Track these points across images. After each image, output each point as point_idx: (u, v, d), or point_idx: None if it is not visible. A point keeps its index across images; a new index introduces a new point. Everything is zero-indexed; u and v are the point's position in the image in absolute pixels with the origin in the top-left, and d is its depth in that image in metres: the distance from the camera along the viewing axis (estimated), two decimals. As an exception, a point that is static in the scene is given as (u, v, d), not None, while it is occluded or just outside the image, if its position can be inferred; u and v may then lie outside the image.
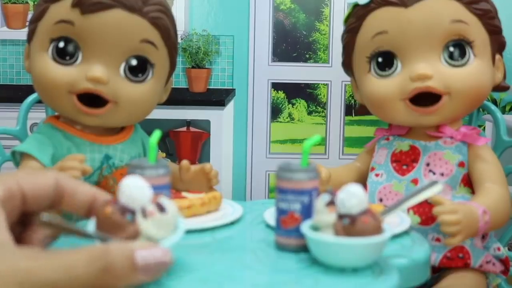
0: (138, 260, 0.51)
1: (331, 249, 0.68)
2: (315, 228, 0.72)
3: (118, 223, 0.56)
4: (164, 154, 2.12)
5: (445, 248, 1.00)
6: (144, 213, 0.57)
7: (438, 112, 1.04)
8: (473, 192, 1.05)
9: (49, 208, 0.61)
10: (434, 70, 1.03)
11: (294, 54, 2.68)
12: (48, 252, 0.51)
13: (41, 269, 0.49)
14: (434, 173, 1.06)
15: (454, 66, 1.04)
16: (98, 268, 0.50)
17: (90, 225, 0.59)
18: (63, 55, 1.01)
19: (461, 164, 1.06)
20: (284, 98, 2.75)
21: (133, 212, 0.57)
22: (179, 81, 2.51)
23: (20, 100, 1.15)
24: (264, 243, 0.79)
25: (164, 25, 1.03)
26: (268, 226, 0.89)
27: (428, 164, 1.07)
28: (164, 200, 0.59)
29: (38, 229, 0.60)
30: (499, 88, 1.11)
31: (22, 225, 0.62)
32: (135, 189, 0.57)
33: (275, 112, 2.71)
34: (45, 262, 0.50)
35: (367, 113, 1.19)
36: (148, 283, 0.61)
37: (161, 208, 0.57)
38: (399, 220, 0.90)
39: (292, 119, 2.77)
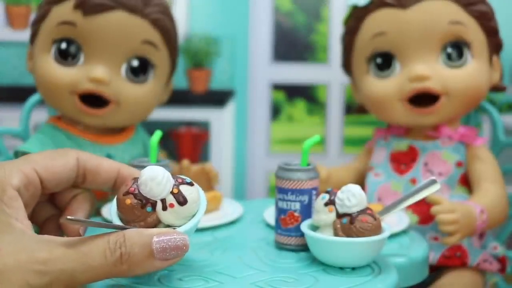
0: (155, 247, 0.51)
1: (331, 248, 0.68)
2: (315, 228, 0.73)
3: (138, 215, 0.56)
4: (165, 154, 2.13)
5: (443, 247, 1.01)
6: (164, 205, 0.57)
7: (436, 112, 1.05)
8: (470, 191, 1.06)
9: (74, 187, 0.61)
10: (432, 71, 1.03)
11: (294, 55, 2.68)
12: (67, 241, 0.51)
13: (58, 259, 0.49)
14: (432, 173, 1.06)
15: (452, 67, 1.05)
16: (115, 257, 0.50)
17: (113, 209, 0.59)
18: (65, 56, 1.01)
19: (459, 164, 1.06)
20: (283, 98, 2.76)
21: (153, 204, 0.56)
22: (180, 81, 2.52)
23: (23, 100, 1.16)
24: (264, 242, 0.80)
25: (165, 26, 1.04)
26: (268, 225, 0.90)
27: (426, 164, 1.08)
28: (185, 189, 0.58)
29: (70, 206, 0.59)
30: (496, 88, 1.12)
31: (53, 205, 0.62)
32: (155, 183, 0.56)
33: (275, 112, 2.71)
34: (62, 252, 0.50)
35: (366, 112, 1.20)
36: (152, 282, 0.62)
37: (181, 201, 0.57)
38: (397, 219, 0.91)
39: (292, 119, 2.78)
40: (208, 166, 1.10)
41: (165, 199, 0.57)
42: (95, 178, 0.60)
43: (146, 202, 0.56)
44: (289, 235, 0.76)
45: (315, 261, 0.71)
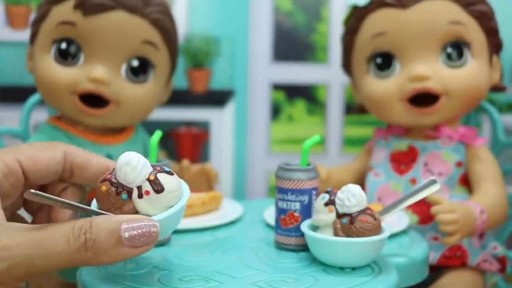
0: (123, 233, 0.49)
1: (331, 248, 0.68)
2: (315, 228, 0.73)
3: (113, 202, 0.54)
4: (165, 154, 2.13)
5: (443, 247, 1.01)
6: (140, 193, 0.55)
7: (436, 112, 1.05)
8: (470, 191, 1.06)
9: (60, 181, 0.59)
10: (432, 71, 1.03)
11: (294, 55, 2.68)
12: (32, 227, 0.49)
13: (18, 245, 0.48)
14: (432, 173, 1.06)
15: (452, 67, 1.05)
16: (79, 243, 0.48)
17: (94, 200, 0.57)
18: (65, 56, 1.01)
19: (459, 164, 1.06)
20: (283, 98, 2.76)
21: (129, 192, 0.55)
22: (180, 81, 2.52)
23: (23, 100, 1.16)
24: (264, 242, 0.80)
25: (165, 26, 1.04)
26: (268, 225, 0.90)
27: (426, 164, 1.08)
28: (163, 177, 0.56)
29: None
30: (496, 88, 1.12)
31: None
32: (130, 168, 0.55)
33: (275, 112, 2.72)
34: (24, 237, 0.48)
35: (366, 112, 1.20)
36: (152, 282, 0.62)
37: (157, 188, 0.55)
38: (397, 219, 0.91)
39: (292, 119, 2.78)
40: (208, 166, 1.10)
41: (141, 186, 0.55)
42: (82, 173, 0.59)
43: (121, 189, 0.55)
44: (289, 235, 0.76)
45: (315, 261, 0.71)
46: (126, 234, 0.49)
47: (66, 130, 1.05)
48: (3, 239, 0.48)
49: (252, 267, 0.69)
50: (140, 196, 0.55)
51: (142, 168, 0.55)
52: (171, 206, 0.57)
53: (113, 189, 0.55)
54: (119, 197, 0.55)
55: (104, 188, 0.55)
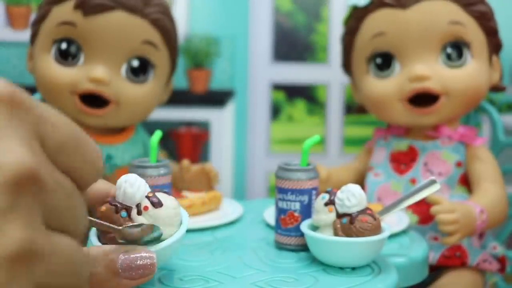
0: (121, 265, 0.49)
1: (330, 248, 0.68)
2: (315, 228, 0.73)
3: (113, 221, 0.54)
4: (165, 154, 2.14)
5: (443, 247, 1.01)
6: (139, 210, 0.56)
7: (436, 112, 1.05)
8: (470, 191, 1.06)
9: None
10: (432, 71, 1.04)
11: (294, 55, 2.68)
12: None
13: None
14: (432, 173, 1.07)
15: (451, 67, 1.05)
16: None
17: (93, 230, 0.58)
18: (66, 56, 1.02)
19: (458, 164, 1.07)
20: (283, 98, 2.76)
21: (127, 209, 0.56)
22: (180, 81, 2.52)
23: (23, 100, 1.16)
24: (264, 242, 0.80)
25: (165, 26, 1.04)
26: (267, 225, 0.90)
27: (426, 164, 1.08)
28: (162, 196, 0.57)
29: None
30: (496, 88, 1.12)
31: None
32: (129, 186, 0.56)
33: (275, 112, 2.72)
34: None
35: (366, 112, 1.20)
36: (153, 282, 0.62)
37: (155, 203, 0.56)
38: (397, 219, 0.91)
39: (292, 119, 2.78)
40: (208, 166, 1.10)
41: (140, 203, 0.56)
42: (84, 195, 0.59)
43: (120, 208, 0.55)
44: (289, 235, 0.76)
45: (315, 261, 0.71)
46: (124, 266, 0.49)
47: (66, 130, 1.05)
48: None
49: (252, 267, 0.69)
50: (139, 213, 0.56)
51: (140, 185, 0.56)
52: (170, 224, 0.57)
53: (112, 208, 0.55)
54: (118, 215, 0.55)
55: (103, 208, 0.55)
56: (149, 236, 0.54)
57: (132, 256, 0.50)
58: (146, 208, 0.56)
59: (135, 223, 0.54)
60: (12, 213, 0.26)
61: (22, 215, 0.26)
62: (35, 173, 0.27)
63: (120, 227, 0.53)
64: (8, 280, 0.25)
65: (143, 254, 0.50)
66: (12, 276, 0.25)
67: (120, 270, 0.49)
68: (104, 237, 0.56)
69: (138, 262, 0.50)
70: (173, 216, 0.57)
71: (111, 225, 0.53)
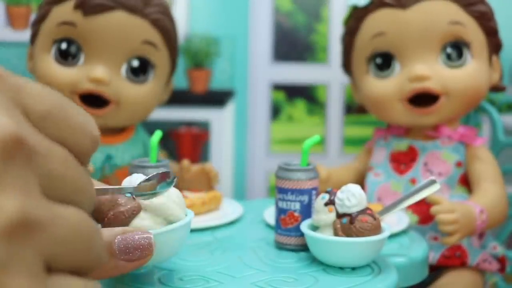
0: (117, 246, 0.47)
1: (330, 248, 0.68)
2: (315, 228, 0.73)
3: (117, 200, 0.54)
4: (165, 154, 2.14)
5: (443, 247, 1.01)
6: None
7: (436, 112, 1.05)
8: (470, 191, 1.06)
9: None
10: (432, 71, 1.04)
11: (294, 55, 2.68)
12: None
13: None
14: (432, 173, 1.07)
15: (451, 67, 1.05)
16: None
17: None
18: (66, 56, 1.02)
19: (458, 164, 1.07)
20: (283, 99, 2.76)
21: (131, 193, 0.55)
22: (180, 81, 2.52)
23: (23, 100, 1.16)
24: (264, 242, 0.80)
25: (165, 26, 1.04)
26: (267, 225, 0.90)
27: (426, 164, 1.08)
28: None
29: None
30: (496, 88, 1.12)
31: None
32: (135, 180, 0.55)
33: (275, 112, 2.72)
34: None
35: (366, 112, 1.20)
36: (153, 282, 0.62)
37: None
38: (397, 219, 0.91)
39: (292, 119, 2.78)
40: (208, 166, 1.10)
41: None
42: None
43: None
44: (289, 235, 0.76)
45: (315, 261, 0.71)
46: (120, 247, 0.49)
47: (66, 130, 1.05)
48: None
49: (252, 267, 0.69)
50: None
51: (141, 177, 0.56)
52: (178, 204, 0.57)
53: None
54: (122, 196, 0.55)
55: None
56: (163, 185, 0.53)
57: (128, 235, 0.49)
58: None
59: (146, 177, 0.53)
60: (1, 183, 0.23)
61: (12, 184, 0.24)
62: (20, 137, 0.24)
63: (135, 186, 0.52)
64: (9, 255, 0.23)
65: (140, 233, 0.49)
66: (12, 250, 0.23)
67: (117, 251, 0.48)
68: (102, 223, 0.56)
69: (135, 238, 0.49)
70: (181, 196, 0.58)
71: (123, 187, 0.53)
